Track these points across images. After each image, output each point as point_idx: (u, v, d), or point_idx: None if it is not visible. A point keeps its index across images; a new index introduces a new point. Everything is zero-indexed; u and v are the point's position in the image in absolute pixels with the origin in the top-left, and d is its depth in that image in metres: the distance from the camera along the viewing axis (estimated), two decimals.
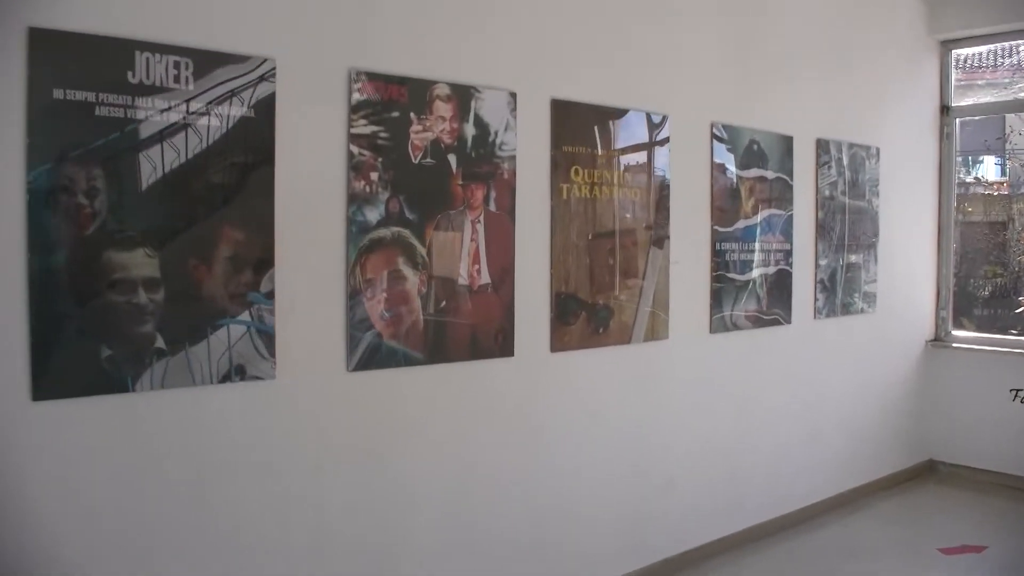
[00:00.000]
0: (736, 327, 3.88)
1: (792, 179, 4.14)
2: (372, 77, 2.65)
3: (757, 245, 3.97)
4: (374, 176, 2.67)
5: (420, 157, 2.77)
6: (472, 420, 2.95)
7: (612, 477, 3.39)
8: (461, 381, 2.92)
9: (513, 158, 3.00)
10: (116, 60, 2.19)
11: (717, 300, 3.79)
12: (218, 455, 2.38)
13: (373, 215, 2.67)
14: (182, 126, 2.30)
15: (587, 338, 3.27)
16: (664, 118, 3.51)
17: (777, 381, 4.12)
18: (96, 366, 2.17)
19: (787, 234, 4.13)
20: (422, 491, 2.82)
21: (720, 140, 3.77)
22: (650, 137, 3.46)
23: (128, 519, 2.23)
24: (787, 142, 4.11)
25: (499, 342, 3.00)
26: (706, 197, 3.73)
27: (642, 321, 3.46)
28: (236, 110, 2.39)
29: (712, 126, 3.73)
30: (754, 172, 3.94)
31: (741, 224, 3.88)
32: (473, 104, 2.89)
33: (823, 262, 4.37)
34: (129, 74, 2.22)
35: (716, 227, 3.77)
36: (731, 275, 3.85)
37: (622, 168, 3.36)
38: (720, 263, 3.79)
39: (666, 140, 3.52)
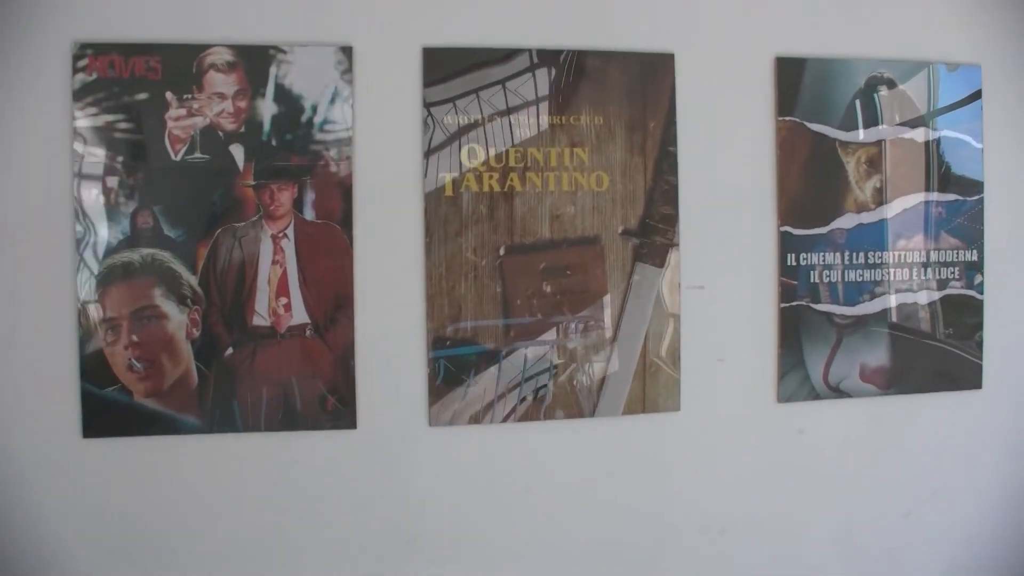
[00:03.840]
0: (839, 392, 2.34)
1: (980, 140, 2.41)
2: (103, 50, 1.97)
3: (889, 256, 2.36)
4: (112, 182, 1.99)
5: (184, 152, 2.01)
6: (280, 514, 2.08)
7: None
8: (264, 459, 2.07)
9: (347, 142, 2.07)
10: None
11: (793, 348, 2.31)
12: None
13: (112, 234, 1.99)
14: None
15: (503, 406, 2.15)
16: (667, 59, 2.21)
17: (945, 488, 2.43)
18: None
19: (965, 235, 2.41)
20: None
21: (790, 83, 2.29)
22: (644, 91, 2.20)
23: None
24: (967, 77, 2.40)
25: (329, 408, 2.08)
26: (767, 179, 2.29)
27: (620, 382, 2.21)
28: None
29: (776, 63, 2.28)
30: (882, 132, 2.35)
31: (847, 221, 2.34)
32: (274, 70, 2.04)
33: None
34: None
35: (788, 228, 2.30)
36: (824, 307, 2.33)
37: (570, 141, 2.17)
38: (799, 287, 2.31)
39: (669, 92, 2.21)
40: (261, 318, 2.04)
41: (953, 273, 2.40)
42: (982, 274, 2.42)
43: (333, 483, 2.10)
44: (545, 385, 2.16)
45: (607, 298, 2.19)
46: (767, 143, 2.27)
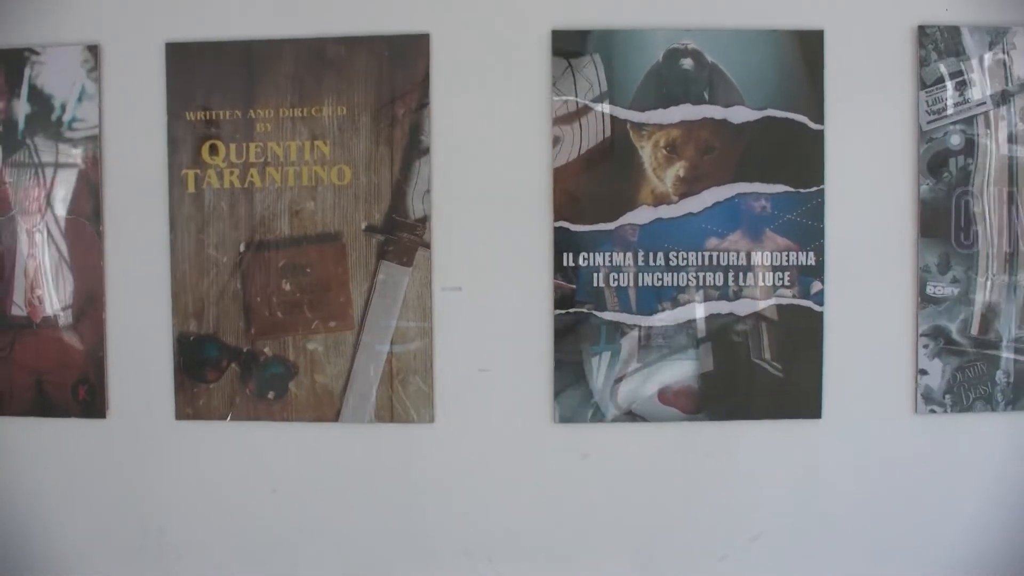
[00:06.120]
0: (632, 415, 2.04)
1: (822, 120, 1.98)
2: None
3: (696, 257, 2.01)
4: None
5: None
6: (31, 501, 2.18)
7: None
8: (19, 443, 2.18)
9: (95, 139, 2.11)
10: None
11: (571, 362, 2.04)
12: None
13: None
14: None
15: (246, 404, 2.11)
16: (421, 40, 2.03)
17: (776, 542, 2.04)
18: None
19: (800, 234, 1.99)
20: None
21: (571, 56, 2.01)
22: (394, 76, 2.04)
23: None
24: (797, 43, 1.97)
25: (81, 397, 2.15)
26: (540, 167, 2.03)
27: (364, 388, 2.08)
28: None
29: (553, 37, 2.01)
30: (687, 111, 2.00)
31: (642, 216, 2.02)
32: (28, 71, 2.12)
33: (945, 290, 1.98)
34: None
35: (565, 224, 2.03)
36: (612, 315, 2.03)
37: (311, 134, 2.06)
38: (579, 292, 2.03)
39: (422, 76, 2.03)
40: (19, 308, 2.14)
41: (783, 280, 2.00)
42: (822, 281, 1.99)
43: (82, 471, 2.15)
44: (286, 385, 2.08)
45: (349, 298, 2.05)
46: (541, 127, 2.01)
